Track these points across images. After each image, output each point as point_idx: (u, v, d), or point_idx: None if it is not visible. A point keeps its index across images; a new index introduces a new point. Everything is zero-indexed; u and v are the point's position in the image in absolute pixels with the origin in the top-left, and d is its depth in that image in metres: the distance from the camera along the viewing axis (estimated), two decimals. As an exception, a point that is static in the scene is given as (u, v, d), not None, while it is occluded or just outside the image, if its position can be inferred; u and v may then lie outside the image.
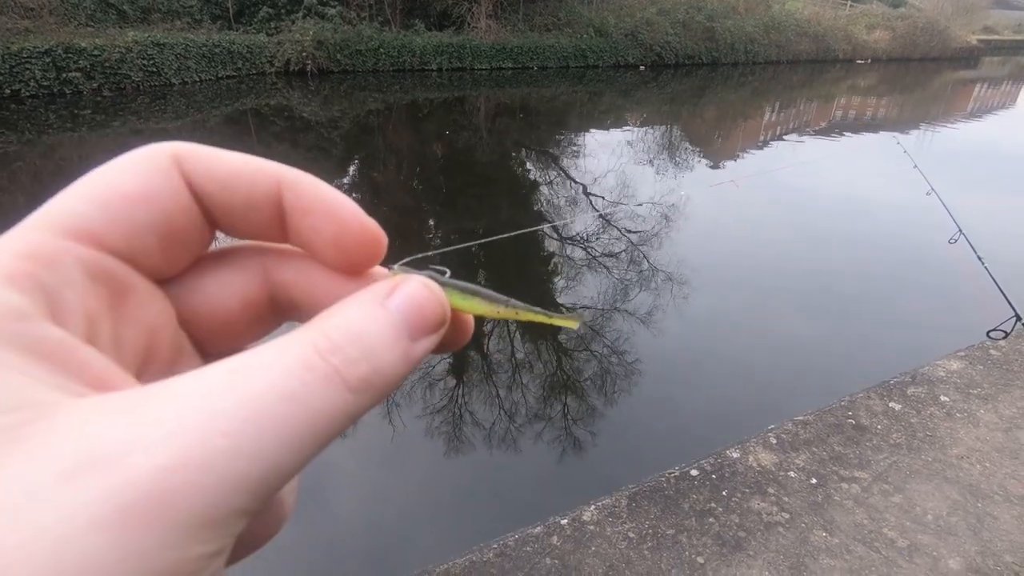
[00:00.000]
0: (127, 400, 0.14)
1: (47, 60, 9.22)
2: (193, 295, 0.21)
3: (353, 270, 0.21)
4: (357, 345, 0.17)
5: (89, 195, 0.17)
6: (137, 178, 0.18)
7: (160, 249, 0.19)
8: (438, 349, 0.20)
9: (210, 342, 0.21)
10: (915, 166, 4.83)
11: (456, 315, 0.21)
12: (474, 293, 0.21)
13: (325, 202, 0.20)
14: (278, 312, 0.22)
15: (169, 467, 0.13)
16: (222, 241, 0.22)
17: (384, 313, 0.18)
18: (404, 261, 0.22)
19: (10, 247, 0.16)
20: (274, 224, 0.20)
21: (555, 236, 5.59)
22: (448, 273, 0.22)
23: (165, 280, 0.20)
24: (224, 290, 0.21)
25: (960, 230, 3.71)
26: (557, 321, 0.22)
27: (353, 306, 0.18)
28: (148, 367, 0.19)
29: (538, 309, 0.22)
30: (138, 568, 0.12)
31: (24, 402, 0.13)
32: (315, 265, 0.21)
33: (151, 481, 0.13)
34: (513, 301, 0.22)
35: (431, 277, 0.20)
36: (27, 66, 9.04)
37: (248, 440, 0.14)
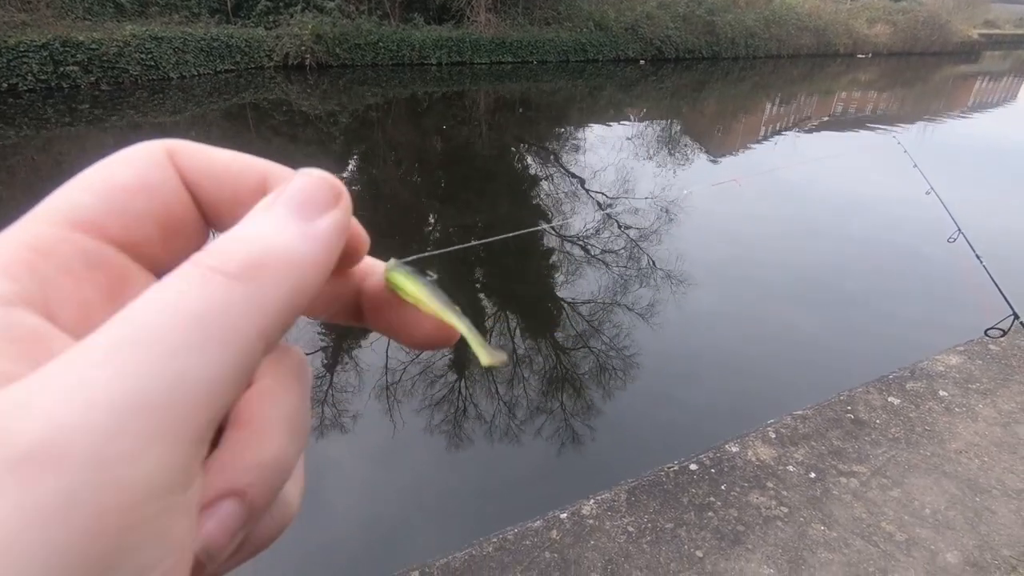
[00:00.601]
0: (41, 372, 0.14)
1: (44, 54, 9.17)
2: None
3: (339, 266, 0.20)
4: (235, 240, 0.16)
5: (90, 187, 0.18)
6: (135, 170, 0.18)
7: (160, 239, 0.19)
8: (417, 343, 0.22)
9: None
10: (915, 165, 4.82)
11: (440, 321, 0.22)
12: (425, 286, 0.22)
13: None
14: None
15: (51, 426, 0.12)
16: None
17: (268, 211, 0.17)
18: (404, 260, 0.22)
19: (12, 237, 0.16)
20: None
21: (554, 232, 5.59)
22: (434, 277, 0.22)
23: (163, 272, 0.20)
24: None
25: (959, 229, 3.71)
26: (479, 348, 0.21)
27: (243, 220, 0.17)
28: None
29: (473, 330, 0.21)
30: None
31: None
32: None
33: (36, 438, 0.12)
34: (456, 308, 0.21)
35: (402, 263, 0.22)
36: (24, 60, 9.00)
37: (158, 363, 0.13)
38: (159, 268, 0.20)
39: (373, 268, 0.23)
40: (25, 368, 0.14)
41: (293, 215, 0.17)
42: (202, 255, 0.16)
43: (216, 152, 0.20)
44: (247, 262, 0.16)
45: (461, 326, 0.21)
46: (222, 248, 0.16)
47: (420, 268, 0.23)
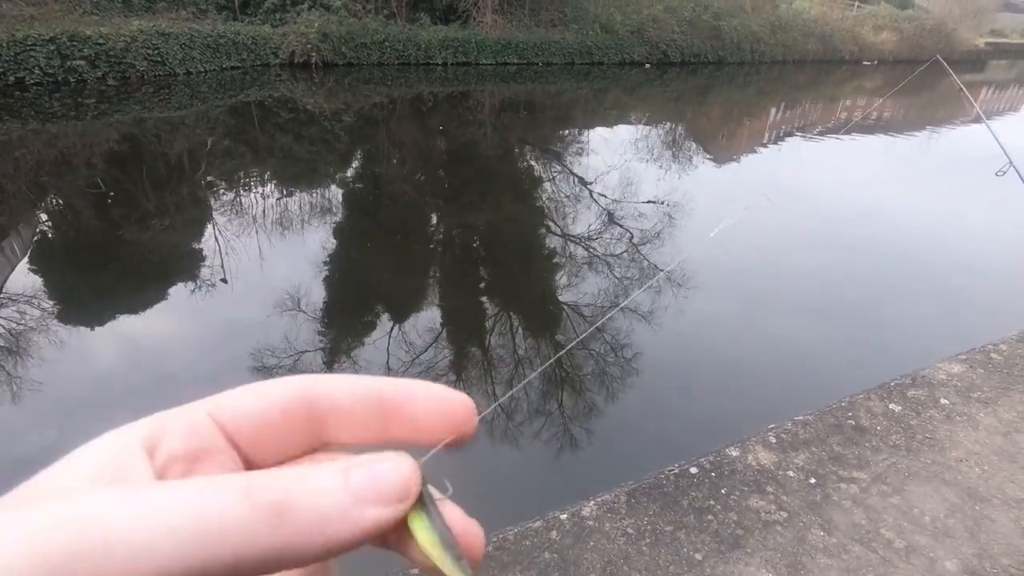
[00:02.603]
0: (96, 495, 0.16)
1: (52, 48, 9.20)
2: None
3: (457, 438, 0.23)
4: (288, 477, 0.18)
5: (246, 403, 0.22)
6: (269, 384, 0.23)
7: (254, 434, 0.22)
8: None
9: None
10: (960, 89, 4.57)
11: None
12: (441, 532, 0.21)
13: (423, 386, 0.23)
14: None
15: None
16: None
17: (339, 474, 0.18)
18: (426, 457, 0.22)
19: (190, 409, 0.22)
20: (374, 420, 0.23)
21: (557, 232, 5.59)
22: (450, 491, 0.23)
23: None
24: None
25: (1010, 161, 3.52)
26: None
27: (315, 466, 0.19)
28: None
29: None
30: None
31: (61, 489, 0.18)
32: None
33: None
34: (464, 564, 0.20)
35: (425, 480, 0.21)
36: (32, 54, 9.03)
37: (142, 527, 0.15)
38: (248, 461, 0.23)
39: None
40: (119, 482, 0.18)
41: (351, 491, 0.18)
42: (254, 475, 0.18)
43: (339, 384, 0.23)
44: (275, 500, 0.17)
45: None
46: (273, 481, 0.18)
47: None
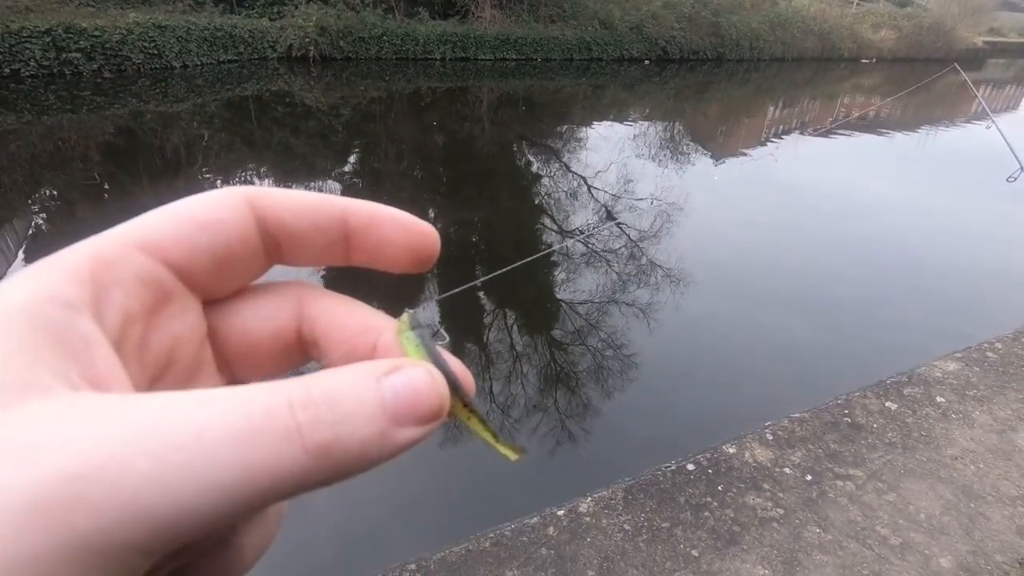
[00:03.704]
0: (97, 402, 0.14)
1: (47, 40, 9.13)
2: (228, 317, 0.22)
3: (419, 266, 0.23)
4: (332, 407, 0.16)
5: (166, 214, 0.20)
6: (209, 207, 0.20)
7: (213, 271, 0.21)
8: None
9: (237, 366, 0.23)
10: (975, 97, 4.66)
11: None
12: (454, 382, 0.20)
13: (389, 213, 0.23)
14: (304, 349, 0.23)
15: (74, 474, 0.13)
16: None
17: (375, 387, 0.17)
18: (414, 309, 0.22)
19: (81, 248, 0.18)
20: (337, 246, 0.22)
21: (555, 228, 5.59)
22: (447, 339, 0.22)
23: (209, 301, 0.22)
24: (257, 316, 0.23)
25: (1021, 166, 3.46)
26: (500, 446, 0.21)
27: (349, 371, 0.18)
28: (166, 375, 0.20)
29: (489, 427, 0.21)
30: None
31: (21, 383, 0.14)
32: (341, 306, 0.23)
33: (51, 484, 0.12)
34: (474, 407, 0.21)
35: (434, 353, 0.20)
36: (27, 45, 8.96)
37: (170, 470, 0.13)
38: (205, 295, 0.21)
39: (386, 325, 0.23)
40: (67, 371, 0.15)
41: (390, 413, 0.17)
42: (302, 395, 0.16)
43: (297, 192, 0.21)
44: (325, 444, 0.16)
45: (479, 427, 0.21)
46: (320, 414, 0.16)
47: (422, 325, 0.22)
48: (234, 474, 0.14)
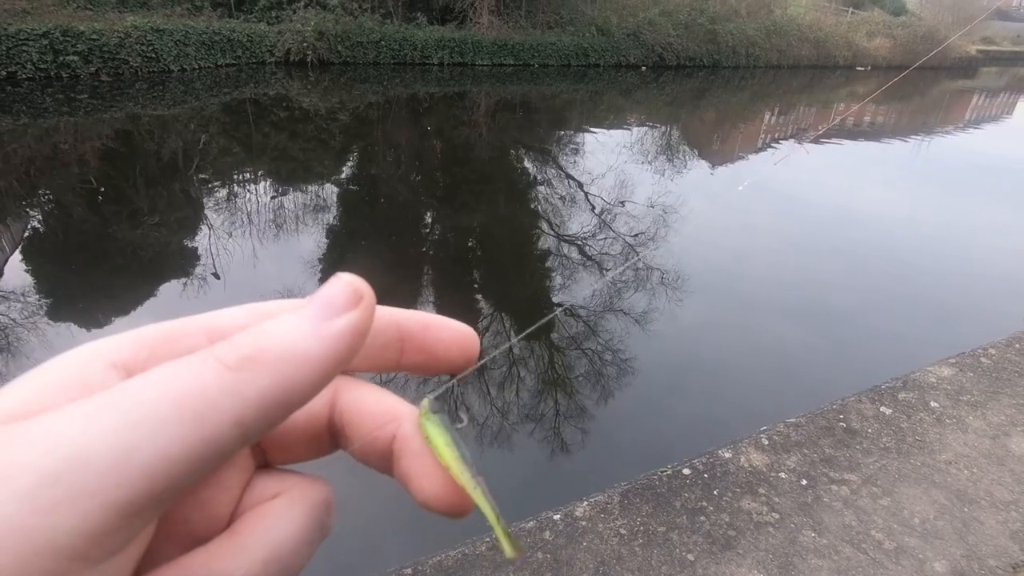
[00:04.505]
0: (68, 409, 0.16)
1: (44, 43, 9.12)
2: None
3: (465, 363, 0.25)
4: (249, 334, 0.18)
5: (239, 308, 0.22)
6: (278, 303, 0.22)
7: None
8: (428, 501, 0.22)
9: (269, 448, 0.23)
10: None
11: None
12: (456, 445, 0.21)
13: (437, 317, 0.25)
14: (333, 437, 0.24)
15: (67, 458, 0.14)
16: None
17: (294, 311, 0.19)
18: (434, 394, 0.23)
19: (166, 324, 0.21)
20: (391, 348, 0.23)
21: (552, 233, 5.60)
22: (465, 422, 0.24)
23: None
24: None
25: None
26: (499, 533, 0.21)
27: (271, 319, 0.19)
28: None
29: (494, 507, 0.21)
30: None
31: (38, 402, 0.17)
32: (371, 394, 0.24)
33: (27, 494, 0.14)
34: (481, 480, 0.21)
35: (436, 411, 0.22)
36: (24, 48, 8.95)
37: (122, 429, 0.15)
38: None
39: (405, 414, 0.23)
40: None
41: (311, 316, 0.18)
42: (217, 345, 0.17)
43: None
44: (245, 354, 0.17)
45: (487, 509, 0.21)
46: (234, 340, 0.17)
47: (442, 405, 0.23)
48: (164, 406, 0.15)
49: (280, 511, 0.21)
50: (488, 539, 1.91)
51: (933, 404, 2.72)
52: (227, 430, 0.16)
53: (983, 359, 3.12)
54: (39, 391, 0.17)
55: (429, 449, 0.21)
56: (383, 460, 0.23)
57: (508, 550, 0.21)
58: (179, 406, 0.15)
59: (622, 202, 6.40)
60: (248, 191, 6.24)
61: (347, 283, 0.19)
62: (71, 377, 0.18)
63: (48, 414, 0.16)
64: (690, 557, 1.87)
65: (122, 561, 0.16)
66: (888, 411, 2.65)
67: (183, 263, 4.47)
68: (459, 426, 0.22)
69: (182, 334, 0.20)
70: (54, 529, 0.14)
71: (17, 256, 4.34)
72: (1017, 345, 3.30)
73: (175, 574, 0.18)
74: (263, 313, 0.22)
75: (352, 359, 0.19)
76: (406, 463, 0.22)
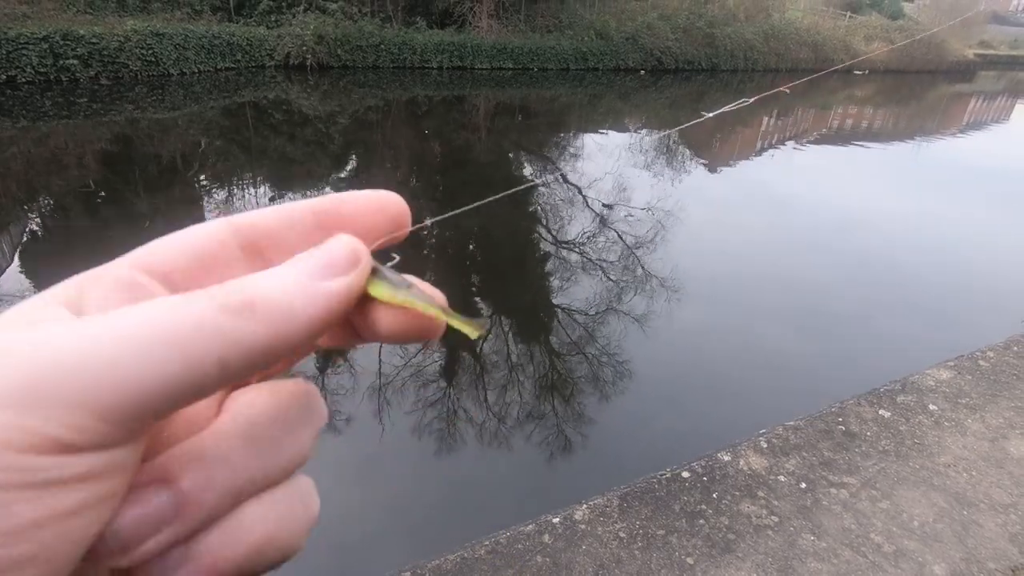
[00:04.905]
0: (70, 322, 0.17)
1: (44, 46, 9.14)
2: None
3: (395, 226, 0.24)
4: (249, 280, 0.18)
5: (158, 239, 0.22)
6: (189, 227, 0.22)
7: (192, 273, 0.22)
8: (404, 338, 0.22)
9: None
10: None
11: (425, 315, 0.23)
12: (402, 282, 0.22)
13: (349, 192, 0.24)
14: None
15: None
16: None
17: (291, 263, 0.20)
18: (374, 246, 0.23)
19: (91, 270, 0.21)
20: (312, 235, 0.23)
21: (550, 238, 5.61)
22: (396, 260, 0.24)
23: None
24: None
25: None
26: (454, 322, 0.22)
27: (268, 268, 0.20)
28: None
29: (448, 311, 0.22)
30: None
31: (40, 317, 0.18)
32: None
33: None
34: (415, 290, 0.22)
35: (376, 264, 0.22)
36: (24, 52, 8.97)
37: (110, 345, 0.15)
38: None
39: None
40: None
41: (307, 272, 0.19)
42: (218, 286, 0.18)
43: (266, 211, 0.23)
44: (241, 300, 0.17)
45: (437, 311, 0.22)
46: (236, 284, 0.18)
47: (382, 255, 0.24)
48: (151, 338, 0.16)
49: (256, 391, 0.21)
50: (487, 543, 1.91)
51: (932, 407, 2.72)
52: (209, 367, 0.16)
53: (981, 362, 3.13)
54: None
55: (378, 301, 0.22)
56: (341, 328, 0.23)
57: (471, 332, 0.22)
58: (168, 334, 0.16)
59: (622, 208, 6.40)
60: (248, 194, 6.24)
61: (346, 244, 0.20)
62: (21, 320, 0.18)
63: (46, 323, 0.17)
64: (689, 560, 1.87)
65: (113, 457, 0.16)
66: (887, 414, 2.65)
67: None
68: (391, 264, 0.23)
69: (107, 267, 0.21)
70: (33, 416, 0.14)
71: (16, 261, 4.34)
72: (1015, 348, 3.30)
73: (163, 463, 0.18)
74: (192, 238, 0.22)
75: (341, 318, 0.20)
76: (367, 321, 0.22)
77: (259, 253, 0.22)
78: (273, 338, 0.18)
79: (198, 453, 0.19)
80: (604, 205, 6.43)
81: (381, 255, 0.24)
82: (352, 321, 0.23)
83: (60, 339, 0.15)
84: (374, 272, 0.22)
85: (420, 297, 0.22)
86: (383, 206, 0.24)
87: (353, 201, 0.23)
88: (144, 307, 0.17)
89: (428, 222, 0.27)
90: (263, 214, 0.23)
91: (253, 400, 0.21)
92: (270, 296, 0.18)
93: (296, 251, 0.22)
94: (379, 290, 0.21)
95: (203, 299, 0.17)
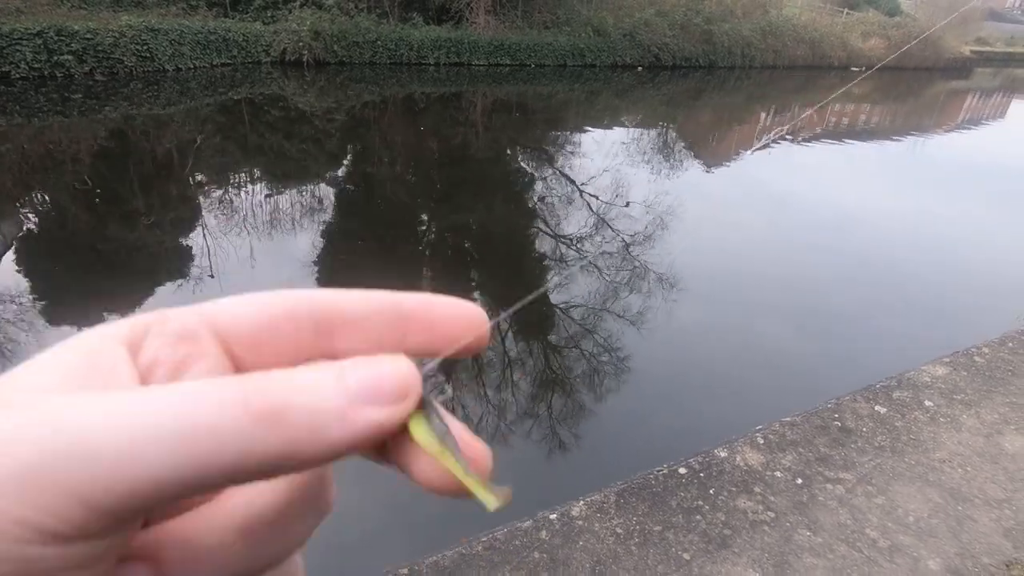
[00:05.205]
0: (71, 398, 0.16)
1: (39, 42, 9.08)
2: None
3: (475, 341, 0.22)
4: (287, 380, 0.17)
5: (236, 296, 0.21)
6: (267, 293, 0.21)
7: (251, 342, 0.21)
8: (431, 488, 0.20)
9: None
10: None
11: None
12: (442, 432, 0.20)
13: (439, 296, 0.22)
14: None
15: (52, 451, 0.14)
16: None
17: (335, 375, 0.18)
18: (432, 362, 0.22)
19: (165, 310, 0.20)
20: (393, 329, 0.21)
21: (549, 234, 5.60)
22: (450, 393, 0.22)
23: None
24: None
25: None
26: (478, 491, 0.20)
27: (310, 368, 0.18)
28: None
29: (471, 473, 0.20)
30: None
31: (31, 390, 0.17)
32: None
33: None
34: (451, 440, 0.20)
35: (427, 377, 0.20)
36: (18, 47, 8.90)
37: (119, 435, 0.15)
38: (243, 366, 0.21)
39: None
40: (93, 378, 0.17)
41: (348, 392, 0.17)
42: (251, 378, 0.17)
43: (347, 293, 0.22)
44: (270, 406, 0.16)
45: (462, 474, 0.20)
46: (267, 383, 0.17)
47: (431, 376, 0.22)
48: (168, 436, 0.15)
49: (259, 486, 0.20)
50: (484, 539, 1.91)
51: (927, 403, 2.73)
52: (215, 473, 0.15)
53: (977, 358, 3.14)
54: (50, 372, 0.17)
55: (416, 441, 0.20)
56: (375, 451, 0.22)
57: (490, 501, 0.20)
58: (178, 431, 0.15)
59: (626, 203, 6.40)
60: (244, 191, 6.22)
61: (398, 372, 0.18)
62: (80, 360, 0.18)
63: (57, 397, 0.16)
64: (686, 556, 1.88)
65: (104, 544, 0.16)
66: (883, 410, 2.66)
67: (178, 263, 4.46)
68: (442, 398, 0.21)
69: (175, 314, 0.20)
70: (26, 507, 0.14)
71: (10, 256, 4.32)
72: (1010, 344, 3.32)
73: (149, 540, 0.18)
74: (266, 303, 0.21)
75: (369, 448, 0.19)
76: (402, 454, 0.21)
77: (330, 335, 0.21)
78: (291, 456, 0.16)
79: (189, 538, 0.18)
80: (601, 201, 6.44)
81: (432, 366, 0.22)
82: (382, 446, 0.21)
83: (64, 423, 0.15)
84: (421, 405, 0.20)
85: (455, 453, 0.20)
86: (469, 320, 0.22)
87: (442, 307, 0.22)
88: (162, 392, 0.16)
89: (500, 316, 0.25)
90: (346, 298, 0.21)
91: (254, 499, 0.20)
92: (301, 409, 0.16)
93: (368, 343, 0.21)
94: (419, 430, 0.19)
95: (230, 394, 0.16)
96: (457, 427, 0.21)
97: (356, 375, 0.18)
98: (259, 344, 0.20)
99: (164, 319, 0.20)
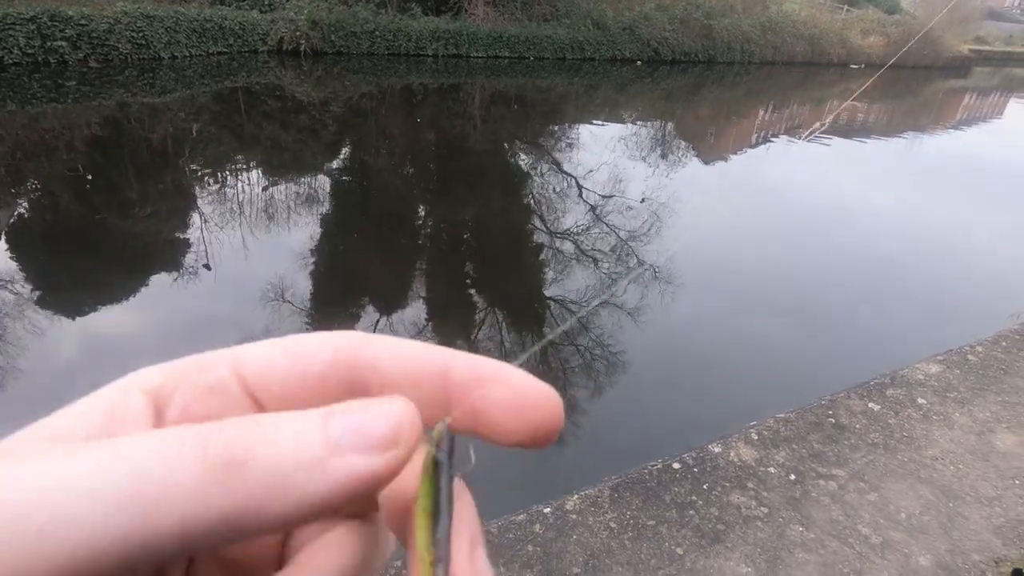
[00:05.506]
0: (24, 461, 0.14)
1: (32, 27, 8.97)
2: None
3: (534, 441, 0.19)
4: (255, 427, 0.15)
5: (267, 342, 0.19)
6: (301, 339, 0.19)
7: (282, 396, 0.19)
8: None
9: None
10: None
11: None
12: (435, 512, 0.17)
13: (496, 370, 0.19)
14: None
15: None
16: None
17: (318, 419, 0.16)
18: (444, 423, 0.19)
19: (199, 356, 0.19)
20: (436, 402, 0.19)
21: (545, 228, 5.59)
22: (473, 463, 0.19)
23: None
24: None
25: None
26: None
27: (292, 413, 0.16)
28: None
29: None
30: None
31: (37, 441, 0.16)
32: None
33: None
34: (444, 524, 0.17)
35: (442, 449, 0.18)
36: (11, 33, 8.79)
37: (66, 495, 0.13)
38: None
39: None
40: (99, 432, 0.16)
41: (327, 436, 0.15)
42: (223, 423, 0.15)
43: (399, 340, 0.19)
44: (229, 455, 0.14)
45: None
46: (239, 428, 0.15)
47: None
48: (121, 490, 0.13)
49: (338, 539, 0.18)
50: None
51: (920, 401, 2.75)
52: (165, 536, 0.13)
53: (970, 356, 3.16)
54: (68, 420, 0.17)
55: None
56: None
57: None
58: (131, 488, 0.13)
59: (643, 199, 6.39)
60: (240, 181, 6.18)
61: (392, 414, 0.16)
62: (99, 407, 0.17)
63: (35, 454, 0.14)
64: (679, 550, 1.89)
65: None
66: (876, 407, 2.67)
67: (173, 253, 4.43)
68: (460, 472, 0.19)
69: (208, 363, 0.18)
70: None
71: (2, 244, 4.28)
72: (1003, 343, 3.34)
73: None
74: (299, 355, 0.19)
75: (354, 503, 0.16)
76: (488, 387, 0.19)
77: (365, 395, 0.18)
78: (252, 512, 0.14)
79: None
80: (600, 196, 6.42)
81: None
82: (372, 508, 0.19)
83: (7, 486, 0.13)
84: (434, 465, 0.17)
85: (437, 568, 0.16)
86: (531, 413, 0.19)
87: (495, 385, 0.18)
88: (120, 444, 0.14)
89: (524, 355, 0.22)
90: (387, 354, 0.19)
91: (337, 550, 0.18)
92: (268, 458, 0.14)
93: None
94: (424, 499, 0.17)
95: (191, 442, 0.14)
96: (467, 524, 0.18)
97: (343, 419, 0.16)
98: (288, 398, 0.18)
99: (201, 368, 0.18)
